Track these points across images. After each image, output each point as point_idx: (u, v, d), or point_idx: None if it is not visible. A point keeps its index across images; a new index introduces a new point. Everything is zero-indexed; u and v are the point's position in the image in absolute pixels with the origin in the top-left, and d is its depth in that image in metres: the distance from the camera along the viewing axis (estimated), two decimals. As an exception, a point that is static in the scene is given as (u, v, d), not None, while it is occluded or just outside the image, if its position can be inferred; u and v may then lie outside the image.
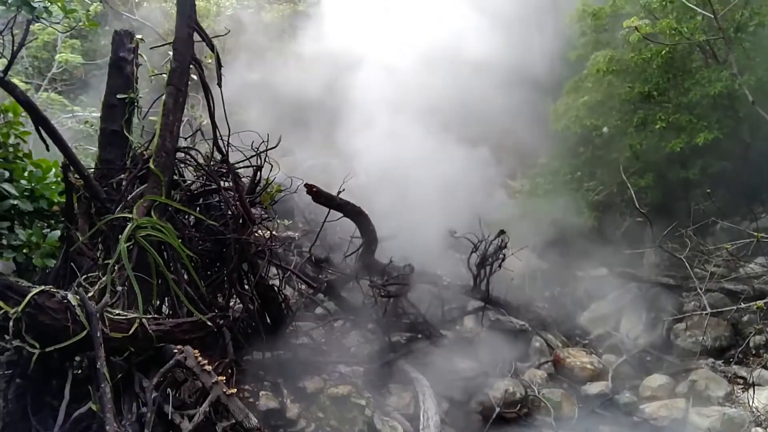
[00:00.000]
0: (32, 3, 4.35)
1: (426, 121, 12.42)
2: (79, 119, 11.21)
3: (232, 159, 6.13)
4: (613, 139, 12.46)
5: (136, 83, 6.09)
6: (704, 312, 8.79)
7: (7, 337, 3.77)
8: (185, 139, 6.14)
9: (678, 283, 10.31)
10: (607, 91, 11.75)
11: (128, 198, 5.22)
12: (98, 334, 3.88)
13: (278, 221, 8.83)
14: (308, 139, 17.86)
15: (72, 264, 4.98)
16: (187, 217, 5.73)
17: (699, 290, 9.11)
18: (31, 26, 5.74)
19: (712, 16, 9.94)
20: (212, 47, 5.57)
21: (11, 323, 3.70)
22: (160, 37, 17.19)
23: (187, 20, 5.27)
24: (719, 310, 8.87)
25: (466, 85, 13.55)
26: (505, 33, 14.74)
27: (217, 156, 6.03)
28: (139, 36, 6.15)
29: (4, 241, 5.07)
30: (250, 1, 18.69)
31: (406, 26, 14.45)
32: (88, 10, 5.25)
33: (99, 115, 6.40)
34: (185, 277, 5.23)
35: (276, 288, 6.73)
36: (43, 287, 3.99)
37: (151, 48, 6.65)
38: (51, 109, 11.82)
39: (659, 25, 10.16)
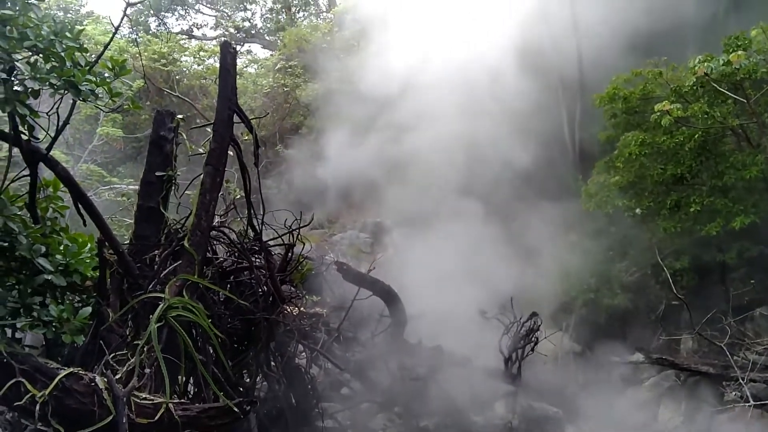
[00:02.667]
0: (79, 86, 4.47)
1: (453, 198, 12.46)
2: (116, 192, 11.46)
3: (264, 237, 6.15)
4: (646, 219, 12.30)
5: (175, 161, 6.20)
6: (747, 404, 8.40)
7: (31, 421, 3.70)
8: (219, 216, 6.17)
9: (718, 371, 9.87)
10: (639, 172, 11.68)
11: (161, 275, 5.21)
12: (124, 420, 3.78)
13: (306, 297, 8.74)
14: (337, 212, 18.05)
15: (101, 341, 4.94)
16: (217, 293, 5.70)
17: (741, 380, 8.73)
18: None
19: (745, 101, 9.98)
20: (251, 129, 5.68)
21: (37, 407, 3.63)
22: (198, 112, 17.78)
23: (228, 102, 5.40)
24: (763, 402, 8.46)
25: (496, 161, 13.65)
26: (532, 113, 14.99)
27: (251, 233, 6.05)
28: (180, 116, 6.31)
29: (35, 314, 5.08)
30: (287, 80, 19.27)
31: (428, 118, 14.74)
32: (131, 87, 5.38)
33: (135, 187, 6.52)
34: (212, 357, 5.15)
35: (303, 368, 6.60)
36: (71, 369, 3.94)
37: (191, 128, 6.81)
38: (89, 180, 12.14)
39: (691, 109, 10.17)
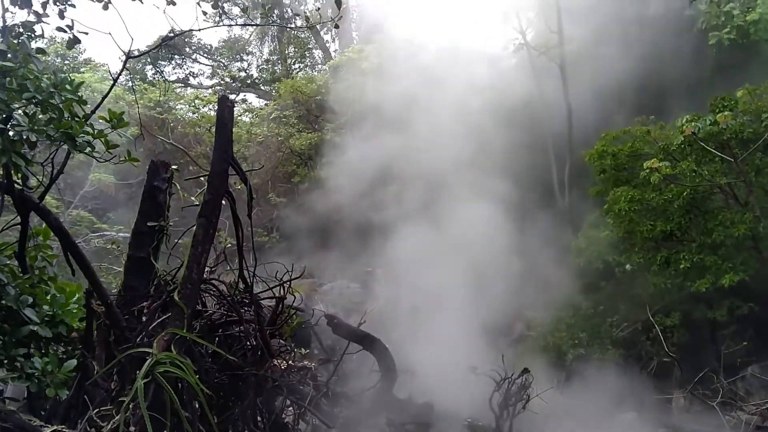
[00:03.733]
0: (76, 138, 4.49)
1: (446, 255, 12.47)
2: (106, 239, 11.39)
3: (255, 288, 6.11)
4: (636, 275, 12.33)
5: (168, 211, 6.19)
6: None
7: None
8: (209, 267, 6.13)
9: (711, 431, 9.76)
10: (629, 228, 11.76)
11: (149, 328, 5.14)
12: (106, 480, 3.67)
13: (295, 350, 8.62)
14: (327, 262, 17.97)
15: (85, 395, 4.83)
16: (205, 347, 5.61)
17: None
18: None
19: (732, 160, 10.16)
20: (246, 181, 5.70)
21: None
22: (191, 160, 17.85)
23: (224, 155, 5.43)
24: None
25: (483, 220, 13.71)
26: (522, 166, 15.17)
27: (241, 286, 6.00)
28: (174, 166, 6.33)
29: (19, 366, 4.97)
30: (281, 129, 19.47)
31: (420, 173, 14.90)
32: (128, 138, 5.42)
33: (126, 235, 6.48)
34: (198, 413, 5.04)
35: (290, 425, 6.45)
36: (55, 428, 3.83)
37: (185, 179, 6.82)
38: (79, 226, 12.06)
39: (679, 167, 10.34)
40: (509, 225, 13.72)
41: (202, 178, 6.25)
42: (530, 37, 18.82)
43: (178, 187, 6.61)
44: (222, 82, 28.15)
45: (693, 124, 9.78)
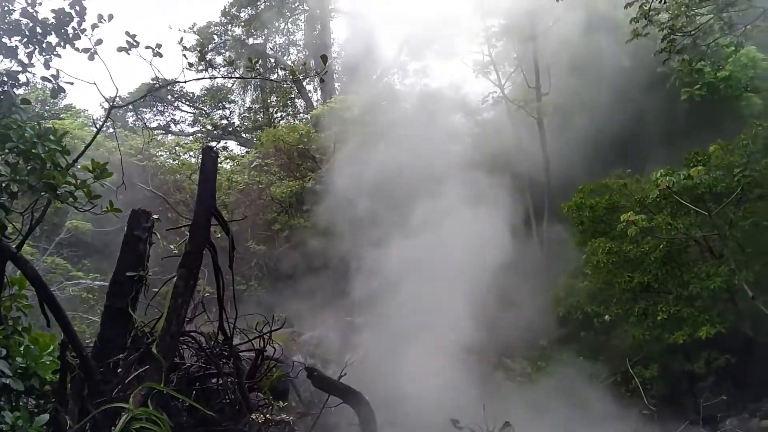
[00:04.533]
0: (58, 188, 4.46)
1: (426, 304, 12.44)
2: (81, 287, 11.19)
3: (234, 340, 6.01)
4: (615, 325, 12.40)
5: (147, 261, 6.12)
6: None
7: None
8: (189, 320, 6.04)
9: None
10: (607, 279, 11.89)
11: (125, 381, 5.01)
12: None
13: (273, 403, 8.45)
14: (306, 311, 17.80)
15: (56, 453, 4.67)
16: (182, 401, 5.48)
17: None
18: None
19: (706, 214, 10.38)
20: (228, 231, 5.68)
21: None
22: (169, 206, 17.77)
23: (207, 206, 5.41)
24: None
25: (463, 270, 13.74)
26: (501, 218, 15.33)
27: (220, 337, 5.91)
28: (155, 216, 6.29)
29: (-12, 420, 4.81)
30: (262, 177, 19.52)
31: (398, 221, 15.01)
32: (109, 186, 5.39)
33: (101, 283, 6.38)
34: (174, 470, 4.88)
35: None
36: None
37: (167, 230, 6.78)
38: (54, 273, 11.85)
39: (655, 220, 10.54)
40: (487, 276, 13.77)
41: (182, 227, 6.23)
42: (508, 90, 19.34)
43: (158, 236, 6.56)
44: (203, 129, 28.25)
45: (668, 178, 10.02)
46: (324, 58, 6.43)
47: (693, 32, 13.02)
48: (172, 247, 7.35)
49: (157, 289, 6.11)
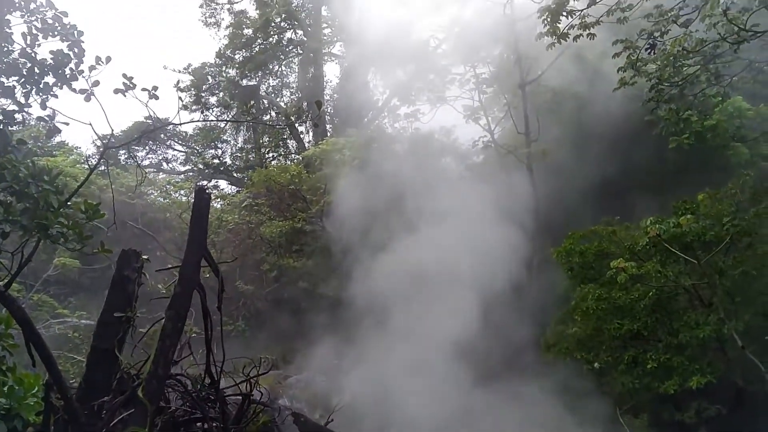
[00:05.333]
0: (50, 229, 4.45)
1: (414, 349, 12.37)
2: (67, 325, 11.03)
3: (221, 383, 5.93)
4: (604, 372, 12.29)
5: (136, 302, 6.07)
6: None
7: None
8: (175, 362, 5.96)
9: None
10: (596, 326, 11.84)
11: (110, 425, 4.92)
12: None
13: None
14: (293, 352, 17.61)
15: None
16: (166, 446, 5.37)
17: None
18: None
19: (695, 262, 10.44)
20: (218, 273, 5.66)
21: None
22: (158, 244, 17.70)
23: (198, 247, 5.40)
24: None
25: (452, 315, 13.70)
26: (490, 262, 15.35)
27: (207, 380, 5.83)
28: (145, 256, 6.26)
29: (-35, 466, 4.67)
30: (252, 217, 19.52)
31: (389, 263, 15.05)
32: (101, 227, 5.37)
33: (87, 322, 6.30)
34: None
35: None
36: None
37: (157, 270, 6.74)
38: (40, 310, 11.69)
39: (645, 267, 10.57)
40: (475, 321, 13.74)
41: (172, 268, 6.19)
42: (498, 135, 19.63)
43: (147, 276, 6.52)
44: (195, 168, 28.32)
45: (657, 226, 10.11)
46: (318, 104, 6.52)
47: (680, 82, 13.34)
48: (160, 286, 7.29)
49: (144, 330, 6.04)
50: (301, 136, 28.54)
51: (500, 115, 19.76)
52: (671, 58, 12.00)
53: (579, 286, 12.38)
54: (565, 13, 12.48)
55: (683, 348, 10.82)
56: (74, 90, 5.70)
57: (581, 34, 13.38)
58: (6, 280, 5.39)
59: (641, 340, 11.41)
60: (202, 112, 25.87)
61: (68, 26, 5.91)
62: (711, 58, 12.69)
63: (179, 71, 27.62)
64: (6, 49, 5.64)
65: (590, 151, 16.05)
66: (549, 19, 12.92)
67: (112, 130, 6.24)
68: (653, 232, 10.13)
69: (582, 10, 12.46)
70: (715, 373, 10.35)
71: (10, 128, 5.26)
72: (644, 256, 11.03)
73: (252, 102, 27.17)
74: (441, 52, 25.49)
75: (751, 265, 10.35)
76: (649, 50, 11.98)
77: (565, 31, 12.73)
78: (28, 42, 5.60)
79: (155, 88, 6.06)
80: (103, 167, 15.08)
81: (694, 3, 11.79)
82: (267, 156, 29.16)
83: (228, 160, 29.44)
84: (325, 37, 28.90)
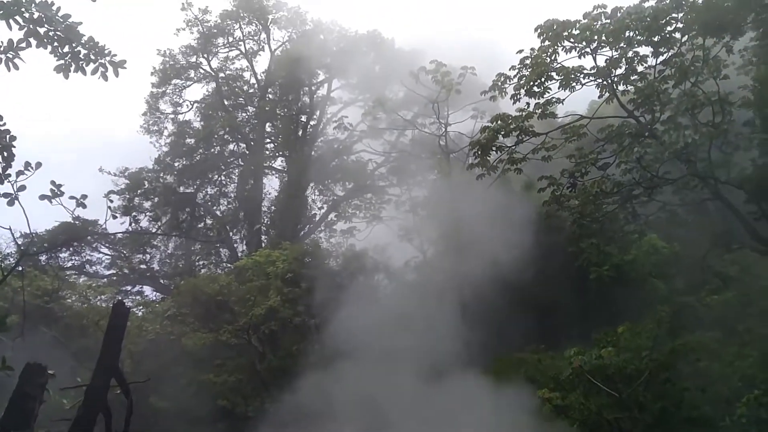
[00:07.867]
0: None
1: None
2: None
3: None
4: None
5: (35, 421, 5.63)
6: None
7: None
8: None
9: None
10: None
11: None
12: None
13: None
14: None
15: None
16: None
17: None
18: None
19: (617, 395, 10.57)
20: (128, 394, 5.34)
21: None
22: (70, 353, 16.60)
23: (108, 367, 5.12)
24: None
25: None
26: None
27: None
28: (51, 371, 5.89)
29: None
30: (176, 327, 18.78)
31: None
32: (7, 341, 5.06)
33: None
34: None
35: None
36: None
37: (61, 389, 6.31)
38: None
39: (569, 398, 10.62)
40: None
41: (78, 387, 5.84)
42: (430, 256, 20.06)
43: (50, 393, 6.09)
44: (120, 272, 27.28)
45: (580, 357, 10.27)
46: (258, 232, 6.52)
47: (600, 218, 14.18)
48: (65, 402, 6.82)
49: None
50: (235, 246, 28.20)
51: (433, 236, 20.23)
52: (591, 196, 12.81)
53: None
54: (494, 148, 13.32)
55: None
56: (-1, 195, 5.54)
57: (509, 168, 14.28)
58: None
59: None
60: (134, 217, 25.41)
61: (2, 130, 5.85)
62: (628, 199, 13.63)
63: (114, 174, 27.37)
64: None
65: (517, 279, 16.40)
66: (479, 152, 13.77)
67: (32, 236, 6.03)
68: (576, 363, 10.28)
69: (511, 147, 13.35)
70: None
71: None
72: (569, 386, 11.11)
73: (188, 209, 27.02)
74: (378, 174, 26.46)
75: (670, 400, 10.54)
76: (570, 188, 12.78)
77: (494, 164, 13.51)
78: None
79: (84, 197, 5.95)
80: (20, 267, 14.32)
81: (612, 148, 12.80)
82: (197, 263, 28.54)
83: (156, 266, 28.58)
84: (267, 152, 29.40)
